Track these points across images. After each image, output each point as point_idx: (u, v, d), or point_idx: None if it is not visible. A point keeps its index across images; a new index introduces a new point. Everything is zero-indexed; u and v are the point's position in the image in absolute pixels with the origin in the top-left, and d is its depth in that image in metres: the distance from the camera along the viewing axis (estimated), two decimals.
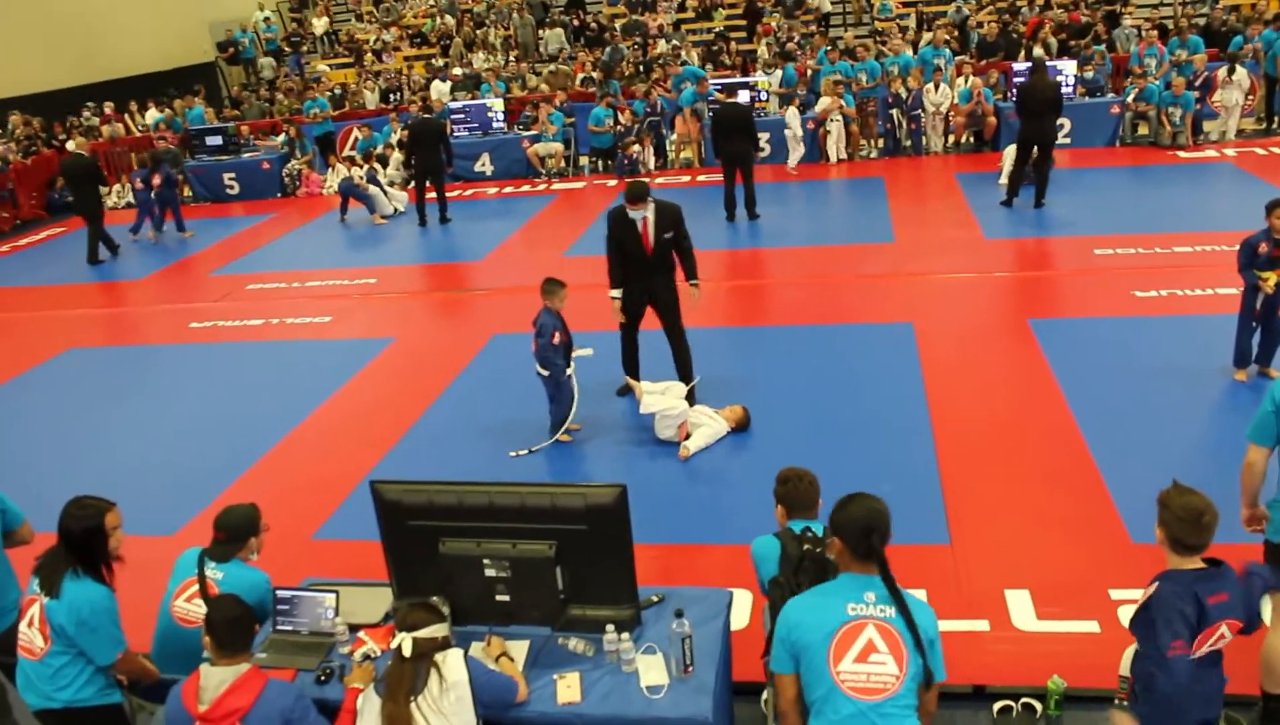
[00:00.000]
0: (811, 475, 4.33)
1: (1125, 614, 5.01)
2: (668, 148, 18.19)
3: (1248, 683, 4.37)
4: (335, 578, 4.80)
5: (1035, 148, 12.72)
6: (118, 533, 4.12)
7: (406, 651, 3.52)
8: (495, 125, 18.49)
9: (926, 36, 19.30)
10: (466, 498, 3.93)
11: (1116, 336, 8.66)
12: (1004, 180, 13.69)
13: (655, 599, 4.24)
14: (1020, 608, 5.30)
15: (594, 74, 20.40)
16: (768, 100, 17.58)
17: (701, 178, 16.82)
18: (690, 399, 7.68)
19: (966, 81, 16.87)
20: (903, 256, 11.58)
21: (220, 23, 27.98)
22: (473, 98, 19.68)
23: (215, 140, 19.02)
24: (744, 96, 16.45)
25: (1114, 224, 11.94)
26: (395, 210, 16.11)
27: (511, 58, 23.20)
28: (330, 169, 18.00)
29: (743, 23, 23.69)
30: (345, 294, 12.22)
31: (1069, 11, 20.09)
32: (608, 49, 21.92)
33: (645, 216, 7.62)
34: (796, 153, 16.73)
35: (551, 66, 21.27)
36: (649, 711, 3.69)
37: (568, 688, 3.79)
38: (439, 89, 20.64)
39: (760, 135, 16.01)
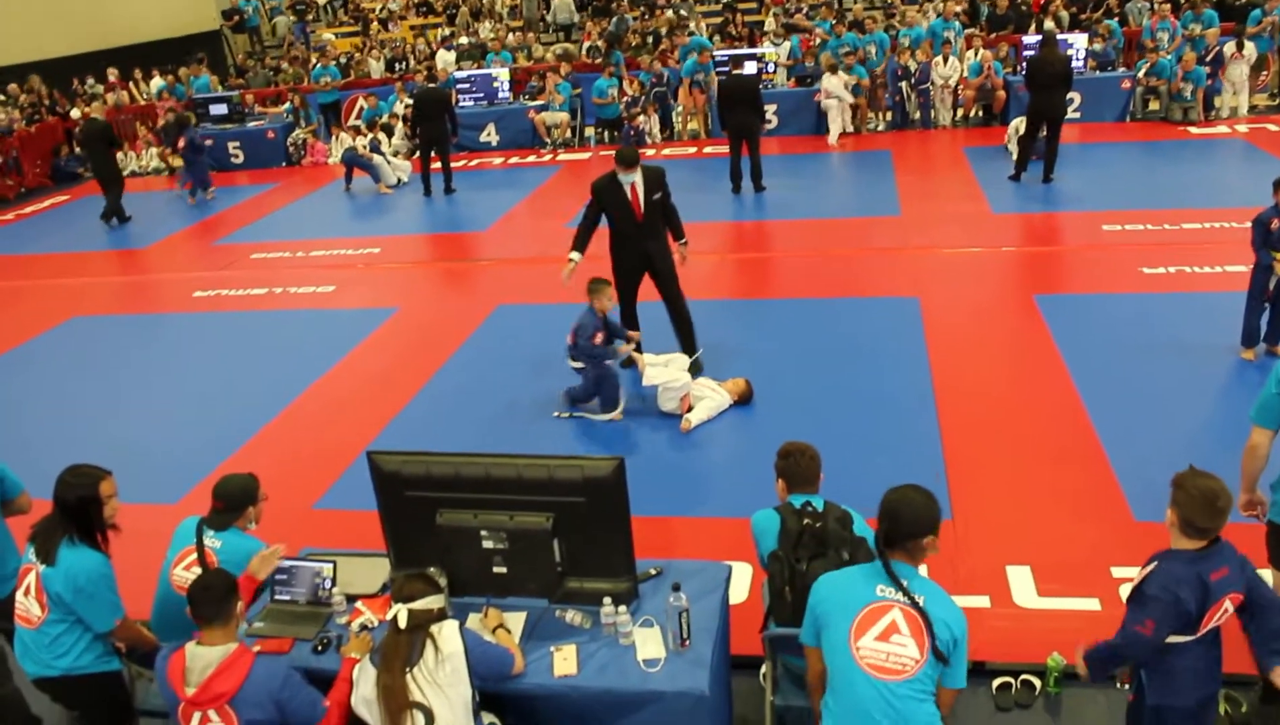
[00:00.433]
0: (813, 450, 4.30)
1: (1126, 592, 4.99)
2: (674, 119, 18.07)
3: (1249, 661, 4.34)
4: (335, 548, 4.80)
5: (1044, 122, 12.60)
6: (113, 501, 4.10)
7: (402, 623, 3.50)
8: (501, 95, 18.38)
9: (936, 7, 19.10)
10: (464, 469, 3.90)
11: (1123, 313, 8.60)
12: (1012, 147, 13.61)
13: (653, 572, 4.22)
14: (1021, 584, 5.28)
15: (599, 44, 20.25)
16: (775, 72, 17.45)
17: (708, 150, 16.72)
18: (695, 370, 7.65)
19: (976, 55, 16.72)
20: (909, 230, 11.51)
21: None
22: (478, 67, 19.56)
23: (220, 109, 18.93)
24: (751, 68, 16.31)
25: (1123, 200, 11.85)
26: (399, 180, 16.04)
27: (516, 29, 23.03)
28: (335, 138, 17.92)
29: None
30: (349, 264, 12.19)
31: None
32: (614, 19, 21.75)
33: (634, 181, 7.57)
34: (837, 125, 16.52)
35: (558, 49, 21.07)
36: (645, 685, 3.67)
37: (564, 660, 3.78)
38: (444, 58, 20.51)
39: (767, 107, 15.88)
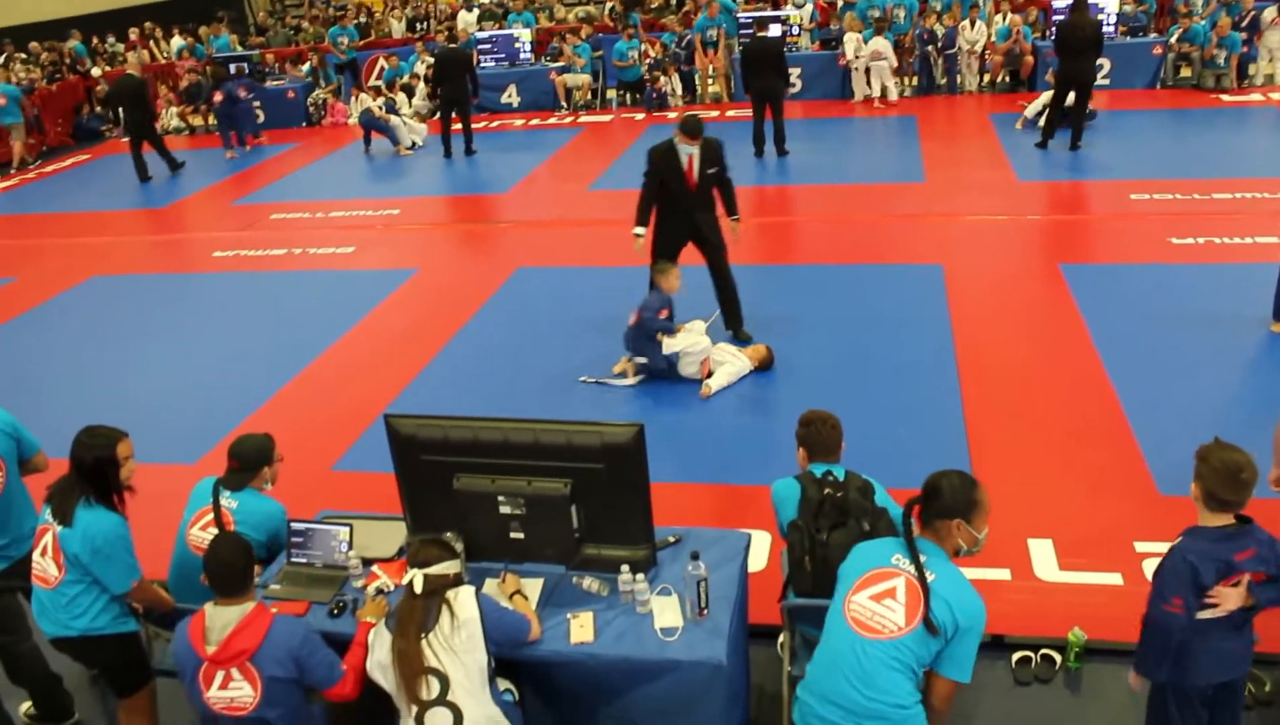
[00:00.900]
0: (834, 418, 4.25)
1: (1150, 567, 4.94)
2: (696, 82, 17.88)
3: (1272, 640, 4.28)
4: (354, 510, 4.79)
5: (1073, 88, 12.40)
6: (130, 463, 4.08)
7: (418, 588, 3.48)
8: (522, 56, 18.23)
9: None
10: (481, 433, 3.86)
11: (1150, 284, 8.47)
12: (1032, 113, 13.50)
13: (672, 539, 4.19)
14: (1043, 557, 5.23)
15: (619, 5, 20.04)
16: (799, 35, 17.22)
17: (731, 113, 16.55)
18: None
19: (1005, 19, 16.44)
20: (933, 197, 11.37)
21: None
22: (500, 28, 19.39)
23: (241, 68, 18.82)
24: (775, 31, 16.10)
25: (1152, 168, 11.66)
26: (414, 143, 15.92)
27: None
28: (354, 98, 17.83)
29: None
30: (368, 225, 12.15)
31: None
32: None
33: (693, 153, 7.47)
34: (891, 84, 16.34)
35: (580, 11, 20.86)
36: (663, 654, 3.64)
37: (581, 628, 3.75)
38: (466, 19, 20.34)
39: (791, 70, 15.69)
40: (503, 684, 3.68)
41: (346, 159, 15.90)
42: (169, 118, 19.50)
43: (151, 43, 21.94)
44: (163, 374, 8.44)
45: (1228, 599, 3.34)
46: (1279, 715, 4.26)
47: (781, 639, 4.38)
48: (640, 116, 16.93)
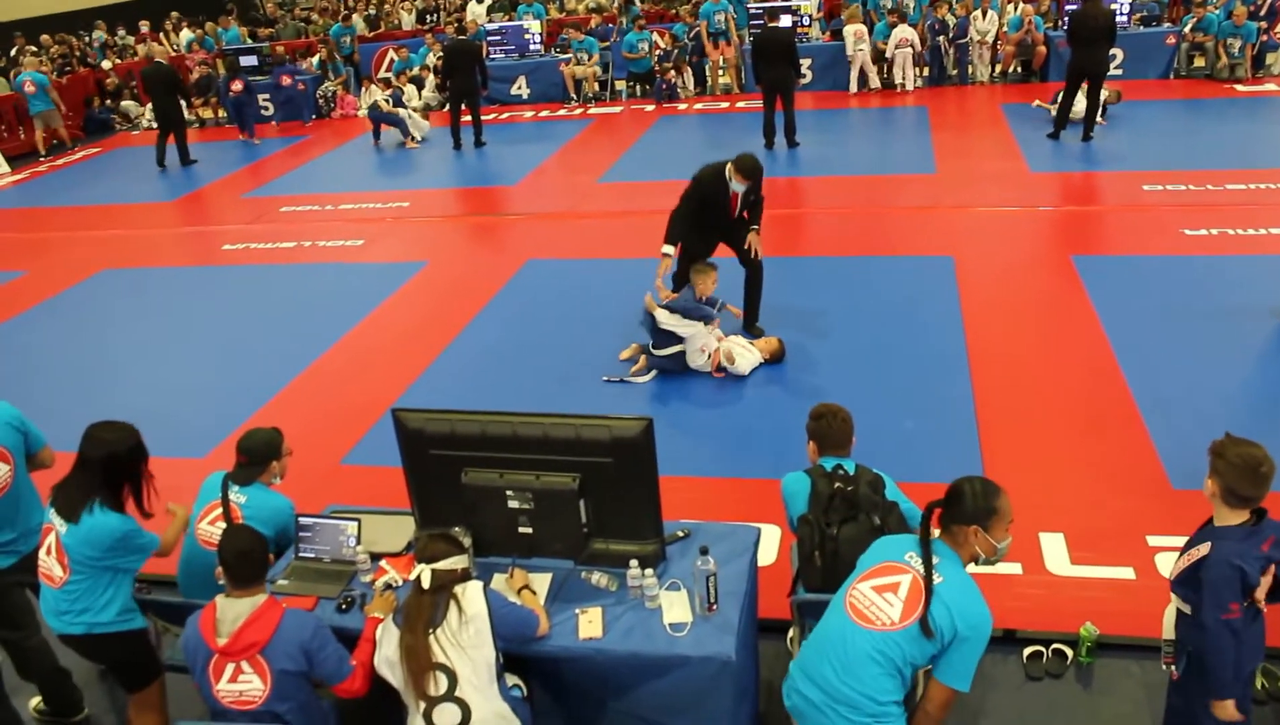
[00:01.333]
0: (845, 412, 4.23)
1: (1163, 562, 4.92)
2: (705, 73, 17.82)
3: None
4: (362, 504, 4.78)
5: (1086, 79, 12.31)
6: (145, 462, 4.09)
7: (426, 583, 3.47)
8: (532, 48, 18.19)
9: None
10: (490, 428, 3.84)
11: (1163, 276, 8.41)
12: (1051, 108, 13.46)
13: (681, 534, 4.17)
14: (1054, 552, 5.19)
15: None
16: (810, 25, 17.15)
17: (741, 104, 16.52)
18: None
19: (1016, 9, 16.35)
20: (944, 188, 11.31)
21: None
22: (510, 19, 19.36)
23: (250, 60, 18.81)
24: (786, 21, 16.04)
25: (1164, 159, 11.59)
26: (416, 137, 15.86)
27: None
28: (364, 90, 17.82)
29: None
30: (378, 217, 12.14)
31: None
32: None
33: (741, 190, 7.44)
34: (910, 74, 16.41)
35: (592, 2, 20.80)
36: (672, 649, 3.62)
37: (589, 623, 3.73)
38: (475, 10, 20.31)
39: (802, 61, 15.62)
40: (511, 679, 3.67)
41: (356, 151, 15.89)
42: None
43: (161, 35, 21.95)
44: (172, 367, 8.44)
45: (1263, 589, 3.32)
46: None
47: (791, 634, 4.37)
48: (650, 108, 16.89)
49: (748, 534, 4.20)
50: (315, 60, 19.05)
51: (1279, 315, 7.38)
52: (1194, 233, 9.28)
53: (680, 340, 7.24)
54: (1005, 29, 16.32)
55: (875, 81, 16.55)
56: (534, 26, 18.27)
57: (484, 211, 12.37)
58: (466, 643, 3.43)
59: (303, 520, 4.29)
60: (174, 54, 21.28)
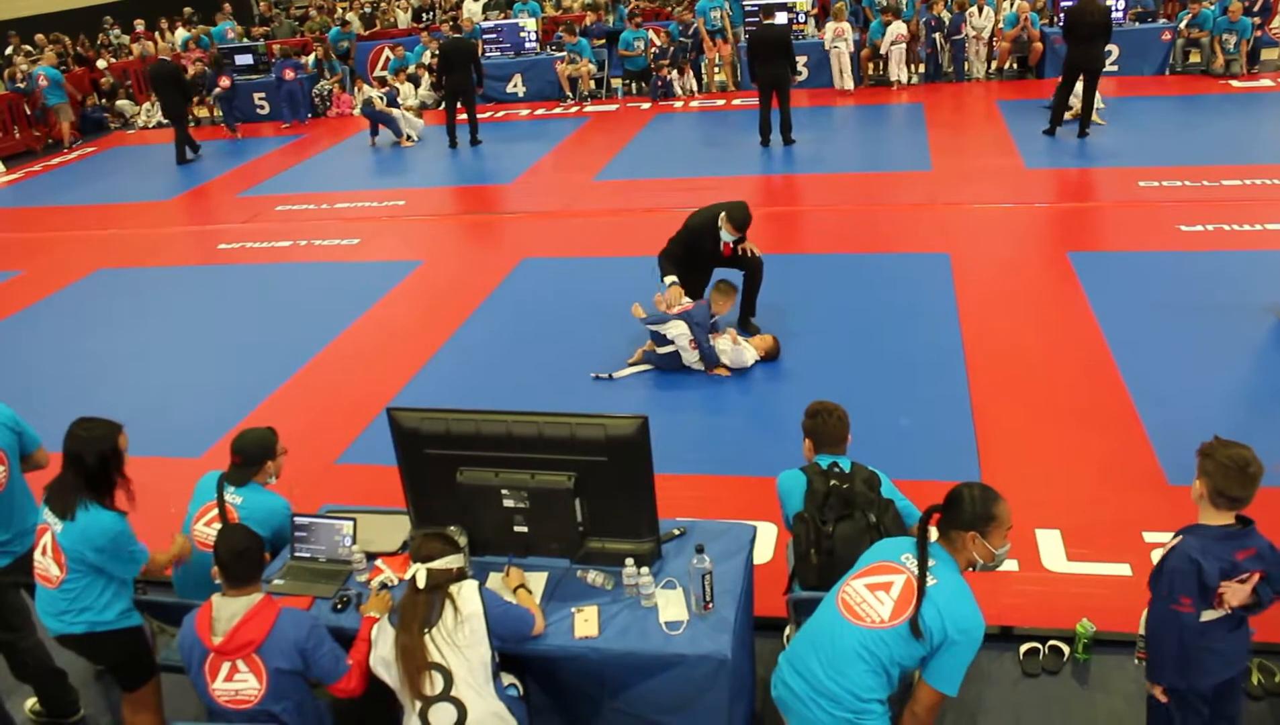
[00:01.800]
0: (841, 410, 4.23)
1: (1159, 558, 4.91)
2: (702, 70, 17.81)
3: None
4: (358, 503, 4.77)
5: (1081, 75, 12.31)
6: (124, 455, 4.07)
7: (421, 582, 3.47)
8: (528, 46, 18.16)
9: None
10: (485, 426, 3.84)
11: (1159, 272, 8.42)
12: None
13: (677, 532, 4.16)
14: (1050, 548, 5.20)
15: None
16: (805, 22, 17.15)
17: (737, 101, 16.51)
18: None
19: (1012, 5, 16.35)
20: (940, 185, 11.31)
21: None
22: (505, 17, 19.34)
23: (245, 59, 18.78)
24: (781, 18, 16.03)
25: (1160, 155, 11.59)
26: (410, 136, 15.84)
27: None
28: (358, 90, 17.81)
29: None
30: (374, 216, 12.13)
31: None
32: None
33: (731, 241, 7.54)
34: (902, 71, 16.51)
35: None
36: (667, 648, 3.62)
37: (585, 622, 3.73)
38: (471, 8, 20.31)
39: (798, 58, 15.64)
40: (507, 679, 3.67)
41: (352, 150, 15.87)
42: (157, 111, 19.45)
43: (157, 34, 21.92)
44: (168, 367, 8.43)
45: (1235, 594, 3.30)
46: None
47: (788, 632, 4.36)
48: (646, 106, 16.88)
49: (743, 532, 4.20)
50: (311, 59, 19.01)
51: (1275, 311, 7.37)
52: (1190, 229, 9.28)
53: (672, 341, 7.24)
54: (1001, 25, 16.32)
55: (849, 83, 16.51)
56: (530, 25, 18.25)
57: (479, 210, 12.35)
58: (462, 642, 3.43)
59: (298, 520, 4.29)
60: (172, 53, 21.26)
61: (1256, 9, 15.41)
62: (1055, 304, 8.02)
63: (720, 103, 16.76)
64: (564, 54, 17.66)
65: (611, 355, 7.62)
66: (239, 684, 3.55)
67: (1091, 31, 12.00)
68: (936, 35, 16.38)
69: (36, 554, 4.06)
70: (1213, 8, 15.53)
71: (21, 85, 17.95)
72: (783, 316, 8.03)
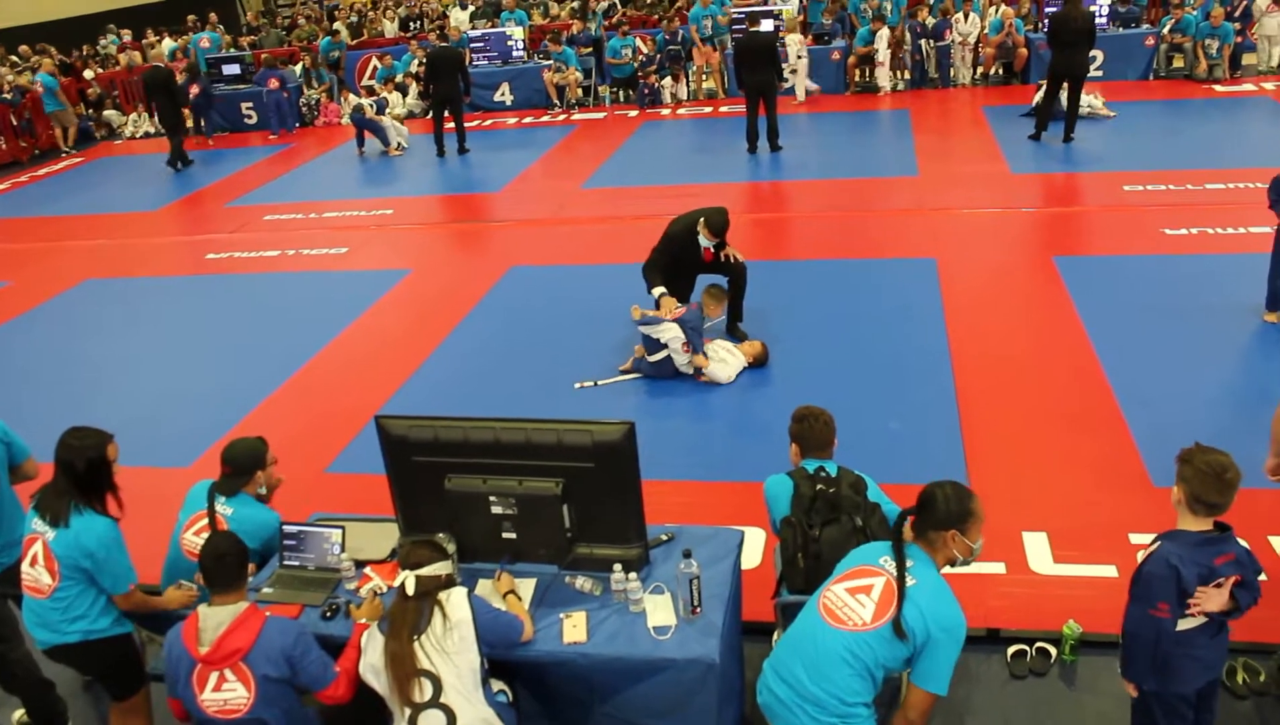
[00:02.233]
0: (827, 415, 4.25)
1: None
2: (689, 78, 17.85)
3: (1268, 631, 4.30)
4: (347, 512, 4.77)
5: (1066, 81, 12.39)
6: (115, 464, 4.07)
7: (410, 589, 3.48)
8: (515, 54, 18.19)
9: None
10: (472, 434, 3.85)
11: (1144, 275, 8.47)
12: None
13: (664, 538, 4.18)
14: (1037, 550, 5.22)
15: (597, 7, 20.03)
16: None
17: (724, 109, 16.56)
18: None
19: (997, 11, 16.44)
20: (927, 191, 11.36)
21: None
22: (492, 26, 19.36)
23: (233, 69, 18.78)
24: (767, 26, 16.09)
25: (1145, 160, 11.67)
26: (399, 144, 15.83)
27: None
28: (344, 99, 17.82)
29: None
30: (362, 225, 12.13)
31: None
32: None
33: (711, 246, 7.56)
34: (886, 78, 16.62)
35: (574, 5, 20.85)
36: (656, 652, 3.64)
37: (574, 627, 3.74)
38: (458, 17, 20.33)
39: (784, 66, 15.69)
40: (496, 685, 3.67)
41: (339, 160, 15.87)
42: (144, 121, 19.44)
43: (143, 44, 21.89)
44: (157, 377, 8.42)
45: (1210, 600, 3.33)
46: (1274, 704, 4.26)
47: (775, 636, 4.37)
48: (634, 114, 16.92)
49: (731, 537, 4.22)
50: (299, 68, 19.00)
51: (1259, 313, 7.43)
52: (1174, 232, 9.35)
53: (665, 345, 7.26)
54: (986, 31, 16.40)
55: (801, 94, 16.56)
56: (517, 33, 18.27)
57: (467, 218, 12.36)
58: (451, 649, 3.44)
59: (287, 528, 4.29)
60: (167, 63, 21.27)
61: (1238, 14, 15.52)
62: (1041, 308, 8.06)
63: (707, 110, 16.81)
64: (551, 62, 17.70)
65: (599, 363, 7.64)
66: (228, 693, 3.55)
67: (1075, 37, 12.10)
68: (923, 41, 16.45)
69: (25, 565, 4.05)
70: (1195, 13, 15.65)
71: (8, 96, 17.91)
72: (770, 322, 8.05)
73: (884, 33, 16.24)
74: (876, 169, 12.50)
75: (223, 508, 4.36)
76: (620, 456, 3.74)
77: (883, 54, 16.37)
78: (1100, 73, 15.67)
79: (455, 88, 14.66)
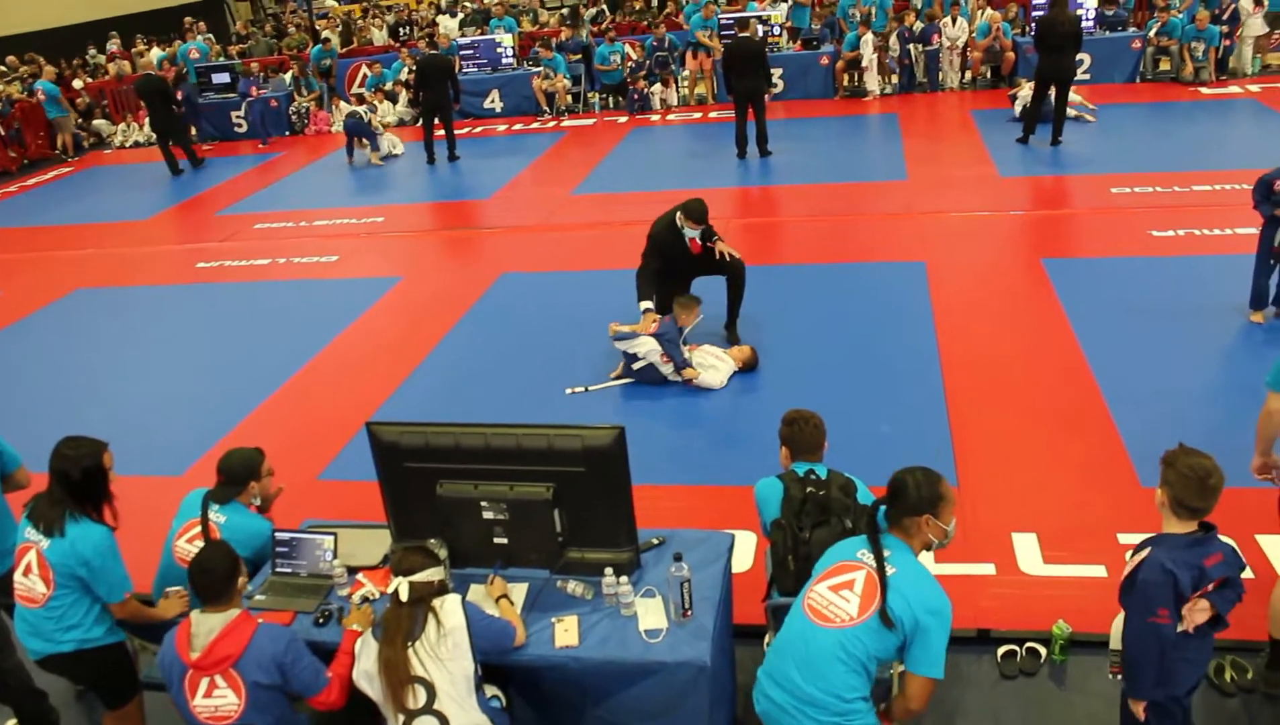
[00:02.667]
0: (817, 418, 4.28)
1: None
2: (679, 84, 17.90)
3: (1255, 629, 4.33)
4: (340, 519, 4.78)
5: (1053, 84, 12.45)
6: (111, 473, 4.08)
7: (404, 596, 3.49)
8: (505, 61, 18.21)
9: None
10: (463, 439, 3.87)
11: (1132, 277, 8.51)
12: (1018, 109, 13.59)
13: (655, 542, 4.20)
14: (1027, 551, 5.25)
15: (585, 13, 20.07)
16: (780, 35, 17.27)
17: (713, 114, 16.60)
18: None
19: (984, 15, 16.51)
20: (916, 194, 11.41)
21: None
22: (482, 33, 19.38)
23: (222, 78, 18.77)
24: (757, 31, 16.13)
25: (1132, 162, 11.72)
26: (389, 152, 15.83)
27: None
28: (335, 107, 17.81)
29: None
30: (352, 233, 12.13)
31: None
32: None
33: (695, 235, 7.55)
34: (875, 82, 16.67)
35: (564, 12, 20.88)
36: (647, 655, 3.66)
37: (565, 631, 3.76)
38: (447, 24, 20.35)
39: (773, 70, 15.76)
40: (490, 690, 3.69)
41: (329, 168, 15.86)
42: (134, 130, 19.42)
43: (132, 53, 21.89)
44: (148, 386, 8.42)
45: (1196, 617, 3.35)
46: (1261, 701, 4.29)
47: (767, 638, 4.40)
48: (623, 120, 16.96)
49: (722, 540, 4.24)
50: (288, 76, 19.00)
51: (1244, 313, 7.48)
52: (1161, 234, 9.40)
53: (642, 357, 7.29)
54: (974, 35, 16.48)
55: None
56: (506, 40, 18.30)
57: (458, 225, 12.37)
58: (445, 655, 3.45)
59: (280, 535, 4.30)
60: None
61: (1226, 16, 15.60)
62: (1030, 309, 8.10)
63: (696, 115, 16.85)
64: (541, 69, 17.73)
65: (590, 368, 7.66)
66: (218, 700, 3.56)
67: (1062, 41, 12.15)
68: (912, 46, 16.51)
69: (18, 575, 4.04)
70: (1181, 16, 15.74)
71: None
72: (760, 327, 8.07)
73: (869, 38, 16.31)
74: (866, 173, 12.54)
75: (216, 515, 4.37)
76: (611, 461, 3.76)
77: (868, 58, 16.43)
78: (1088, 76, 15.75)
79: (445, 95, 14.68)
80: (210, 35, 22.04)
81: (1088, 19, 15.60)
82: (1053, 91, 12.51)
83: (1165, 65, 15.94)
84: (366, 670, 3.54)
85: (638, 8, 20.42)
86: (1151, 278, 8.45)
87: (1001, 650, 4.64)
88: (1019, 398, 6.78)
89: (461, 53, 18.13)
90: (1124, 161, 11.78)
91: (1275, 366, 4.14)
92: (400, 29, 21.41)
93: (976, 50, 16.46)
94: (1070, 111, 12.96)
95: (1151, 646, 3.38)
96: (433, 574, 3.57)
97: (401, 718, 3.45)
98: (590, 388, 7.43)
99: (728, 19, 16.97)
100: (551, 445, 3.78)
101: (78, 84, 20.37)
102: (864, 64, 16.54)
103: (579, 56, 18.11)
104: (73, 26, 23.05)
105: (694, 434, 6.87)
